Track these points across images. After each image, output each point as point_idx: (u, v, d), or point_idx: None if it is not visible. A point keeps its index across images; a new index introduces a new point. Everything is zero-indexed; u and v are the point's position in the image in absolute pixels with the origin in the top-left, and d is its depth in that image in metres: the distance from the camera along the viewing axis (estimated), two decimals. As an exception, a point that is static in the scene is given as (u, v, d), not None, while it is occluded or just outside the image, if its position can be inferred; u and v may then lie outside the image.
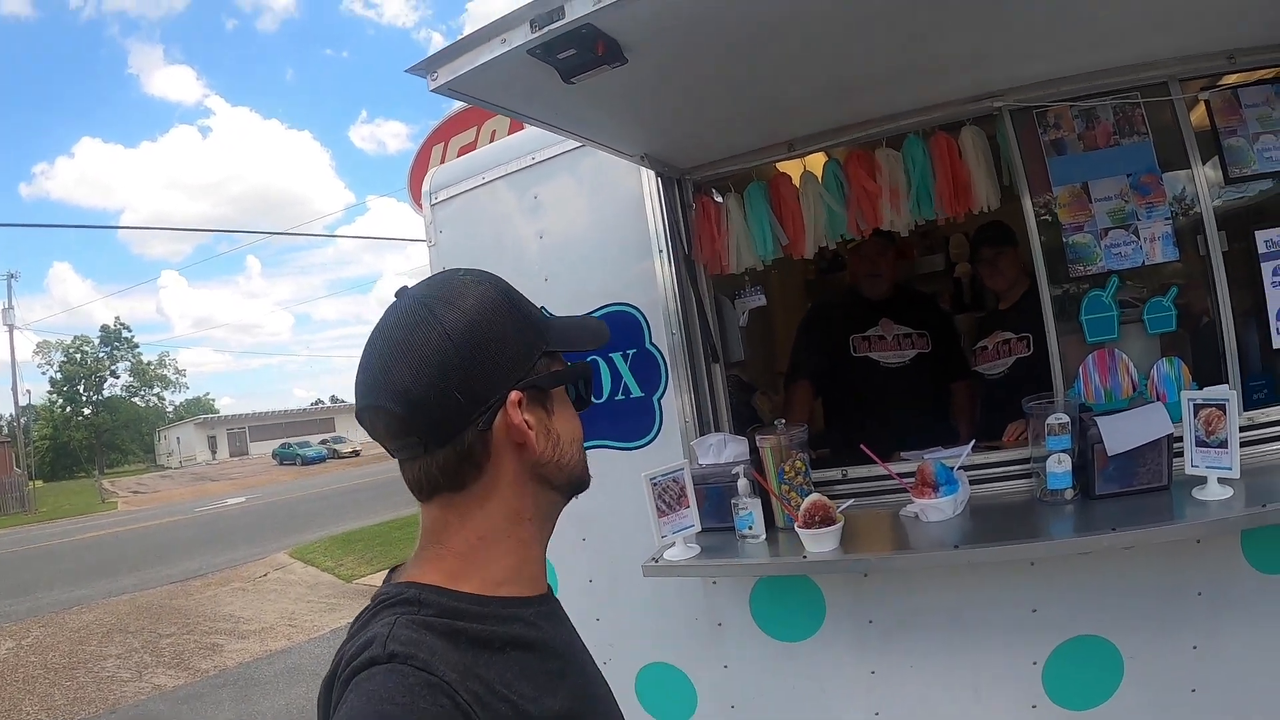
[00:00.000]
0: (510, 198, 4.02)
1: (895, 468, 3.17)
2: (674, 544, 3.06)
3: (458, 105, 10.18)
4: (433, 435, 1.16)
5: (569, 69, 2.33)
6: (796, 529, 2.83)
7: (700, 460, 3.32)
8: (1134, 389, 3.11)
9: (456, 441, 1.16)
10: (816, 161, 3.61)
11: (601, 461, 3.68)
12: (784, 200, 3.54)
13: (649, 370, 3.62)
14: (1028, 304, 3.55)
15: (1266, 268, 3.05)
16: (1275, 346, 3.03)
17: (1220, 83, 3.16)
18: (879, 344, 4.10)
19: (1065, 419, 2.86)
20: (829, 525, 2.77)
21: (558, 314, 3.66)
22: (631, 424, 3.67)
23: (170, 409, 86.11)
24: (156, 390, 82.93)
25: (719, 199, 3.62)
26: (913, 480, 2.97)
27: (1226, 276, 3.04)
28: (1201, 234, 3.08)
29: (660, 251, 3.55)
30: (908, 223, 3.41)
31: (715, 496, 3.17)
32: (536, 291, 3.82)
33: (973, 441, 3.18)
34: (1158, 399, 3.02)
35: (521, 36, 2.20)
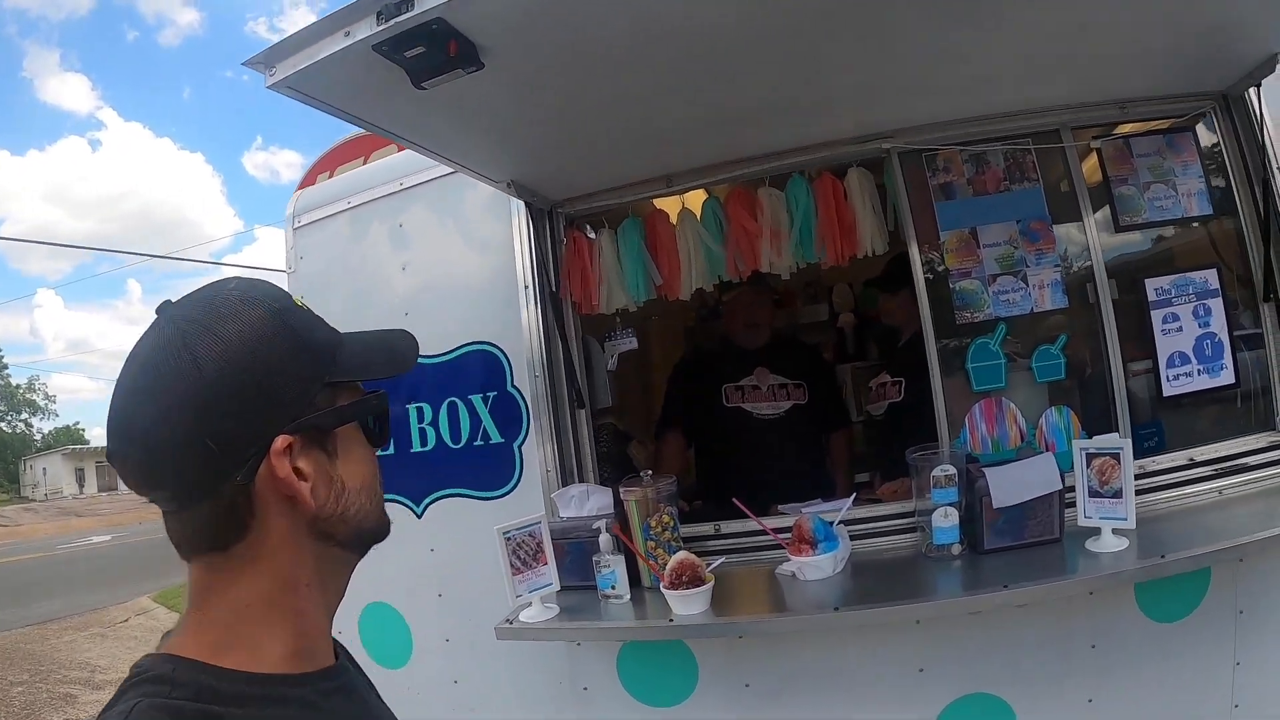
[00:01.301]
0: (376, 225, 3.80)
1: (771, 522, 2.99)
2: (531, 604, 2.82)
3: (351, 133, 9.80)
4: (183, 489, 0.95)
5: (419, 71, 2.09)
6: (662, 590, 2.61)
7: (561, 513, 3.11)
8: (1022, 438, 3.06)
9: (214, 496, 0.95)
10: (696, 199, 3.47)
11: (458, 511, 3.49)
12: (660, 238, 3.39)
13: (510, 415, 3.41)
14: (914, 346, 3.44)
15: (1156, 315, 3.08)
16: (1166, 394, 3.05)
17: (1112, 132, 3.18)
18: (753, 394, 3.93)
19: (951, 470, 2.74)
20: (697, 586, 2.57)
21: (422, 350, 3.39)
22: (490, 472, 3.44)
23: (38, 437, 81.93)
24: (24, 416, 78.92)
25: (592, 235, 3.44)
26: (789, 537, 2.78)
27: (1116, 324, 3.04)
28: (1091, 282, 3.08)
29: (526, 287, 3.36)
30: (789, 265, 3.28)
31: (577, 552, 2.94)
32: (394, 326, 3.56)
33: (854, 495, 3.03)
34: (1046, 449, 2.97)
35: (366, 29, 1.96)
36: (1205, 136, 3.22)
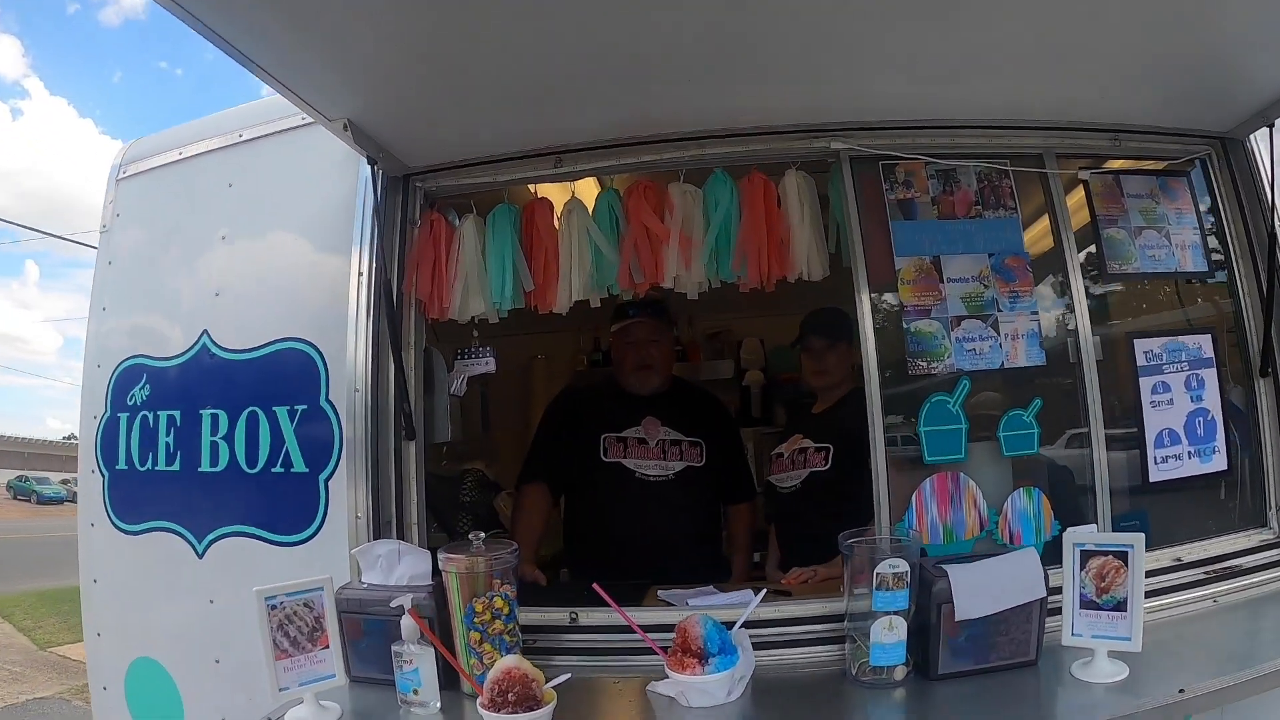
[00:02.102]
0: (203, 182, 2.95)
1: (645, 616, 2.15)
2: (302, 700, 1.92)
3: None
4: None
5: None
6: (479, 710, 1.70)
7: (365, 578, 2.19)
8: (981, 527, 2.36)
9: None
10: (589, 190, 2.70)
11: (247, 556, 2.58)
12: (539, 232, 2.57)
13: (320, 437, 2.50)
14: (846, 409, 2.85)
15: (1145, 384, 2.54)
16: (1152, 479, 2.49)
17: (1102, 166, 2.68)
18: (637, 449, 3.09)
19: (903, 568, 1.97)
20: (528, 709, 1.68)
21: (222, 344, 2.38)
22: (288, 509, 2.51)
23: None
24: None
25: (457, 221, 2.59)
26: (670, 642, 1.90)
27: (1100, 391, 2.44)
28: (1073, 336, 2.50)
29: (361, 275, 2.49)
30: (698, 282, 2.54)
31: (378, 633, 2.05)
32: (201, 308, 2.71)
33: (763, 592, 2.18)
34: (1010, 541, 2.33)
35: None
36: (1202, 184, 2.75)
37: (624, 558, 2.86)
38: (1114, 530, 2.33)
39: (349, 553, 2.29)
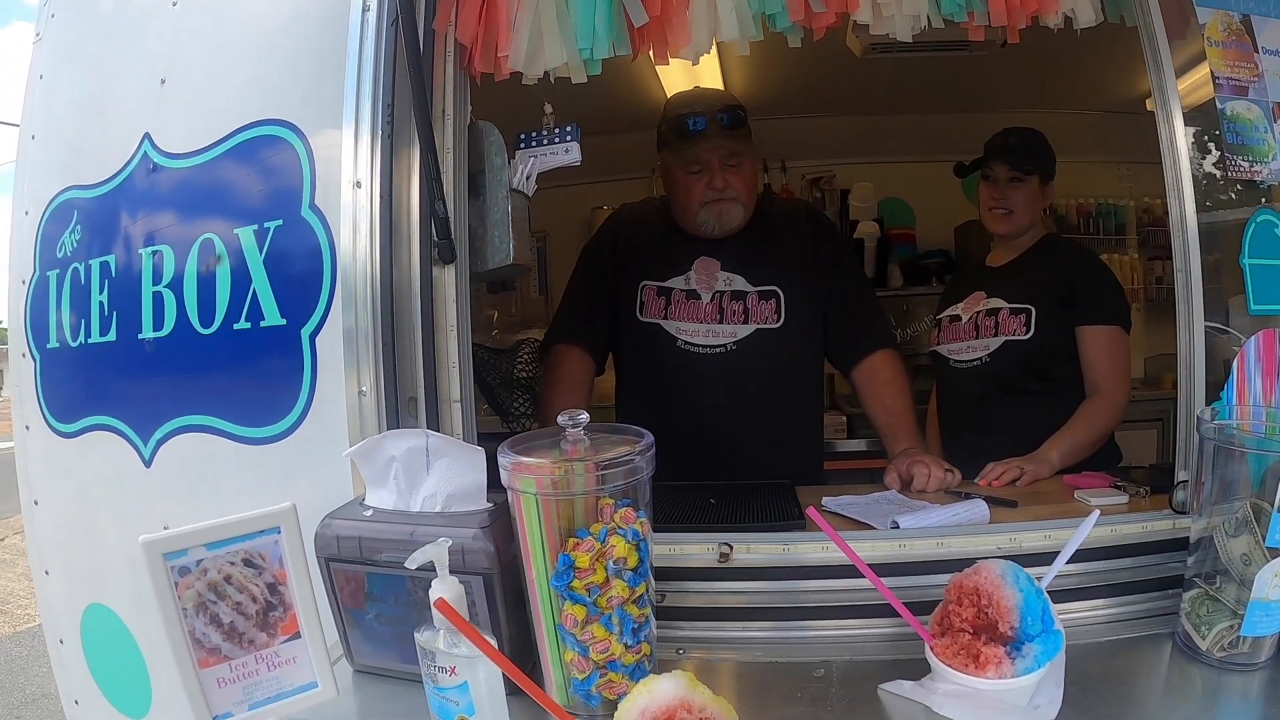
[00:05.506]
0: None
1: (869, 547, 1.15)
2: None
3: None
4: None
5: None
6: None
7: (371, 498, 1.15)
8: None
9: None
10: None
11: (202, 462, 1.57)
12: None
13: (302, 270, 1.44)
14: (1047, 261, 2.12)
15: None
16: None
17: None
18: (683, 306, 2.00)
19: None
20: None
21: (167, 148, 1.64)
22: (259, 386, 1.49)
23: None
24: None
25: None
26: (933, 620, 0.94)
27: None
28: None
29: (367, 10, 1.39)
30: (914, 15, 1.45)
31: (393, 594, 1.05)
32: (142, 105, 1.71)
33: (1094, 514, 1.11)
34: None
35: None
36: None
37: (677, 460, 1.92)
38: None
39: (346, 453, 1.18)
